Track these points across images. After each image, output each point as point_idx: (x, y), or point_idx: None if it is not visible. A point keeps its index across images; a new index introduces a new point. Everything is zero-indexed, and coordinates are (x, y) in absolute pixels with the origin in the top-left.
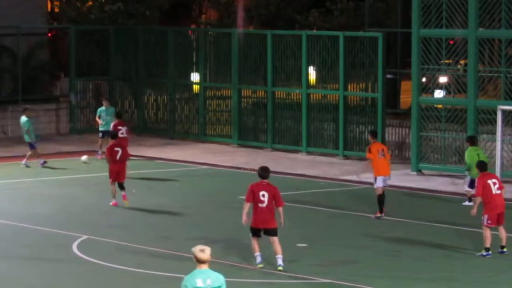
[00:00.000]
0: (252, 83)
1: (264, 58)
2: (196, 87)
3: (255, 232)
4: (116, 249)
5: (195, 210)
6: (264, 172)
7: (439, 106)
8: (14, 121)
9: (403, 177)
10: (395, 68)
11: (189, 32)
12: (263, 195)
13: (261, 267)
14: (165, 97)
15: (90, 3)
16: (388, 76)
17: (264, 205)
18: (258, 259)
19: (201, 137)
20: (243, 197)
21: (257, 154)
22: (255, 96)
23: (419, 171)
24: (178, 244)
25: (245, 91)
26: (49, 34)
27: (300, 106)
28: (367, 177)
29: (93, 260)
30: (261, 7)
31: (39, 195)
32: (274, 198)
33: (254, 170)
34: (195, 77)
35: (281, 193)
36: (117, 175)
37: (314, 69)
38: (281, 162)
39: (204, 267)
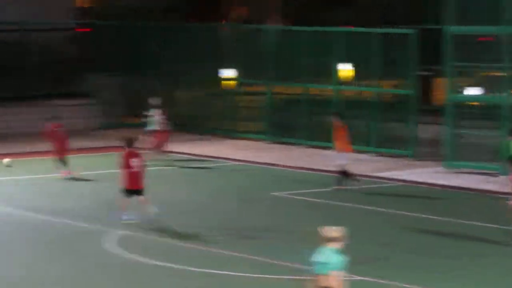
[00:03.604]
0: (285, 79)
1: (297, 55)
2: (228, 83)
3: None
4: (149, 244)
5: (227, 206)
6: None
7: (474, 103)
8: (46, 116)
9: (435, 175)
10: (428, 65)
11: (220, 28)
12: None
13: None
14: (198, 93)
15: None
16: (422, 73)
17: None
18: None
19: (233, 133)
20: (275, 193)
21: (289, 150)
22: (288, 92)
23: (451, 168)
24: (210, 239)
25: (278, 87)
26: (78, 30)
27: (332, 102)
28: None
29: (127, 255)
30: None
31: (69, 189)
32: None
33: (287, 166)
34: (227, 73)
35: (316, 190)
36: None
37: (348, 66)
38: (315, 158)
39: (331, 245)
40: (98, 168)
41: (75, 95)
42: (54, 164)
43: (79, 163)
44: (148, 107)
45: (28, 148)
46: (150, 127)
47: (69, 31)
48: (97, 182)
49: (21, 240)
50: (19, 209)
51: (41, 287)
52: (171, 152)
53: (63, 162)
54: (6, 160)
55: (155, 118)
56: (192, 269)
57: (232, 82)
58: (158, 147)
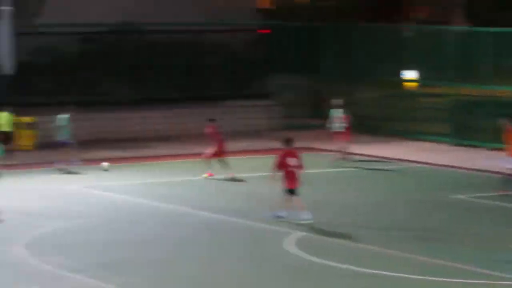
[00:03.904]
0: (468, 80)
1: (482, 56)
2: (409, 85)
3: None
4: (329, 246)
5: (404, 208)
6: None
7: None
8: (228, 116)
9: None
10: None
11: (402, 29)
12: None
13: None
14: (378, 94)
15: (303, 0)
16: None
17: None
18: None
19: (415, 135)
20: (455, 195)
21: (472, 153)
22: (471, 94)
23: None
24: (384, 241)
25: (461, 88)
26: (262, 31)
27: None
28: None
29: (305, 256)
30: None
31: (252, 190)
32: None
33: (468, 169)
34: (408, 74)
35: (497, 193)
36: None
37: None
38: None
39: None
40: None
41: (256, 96)
42: (220, 164)
43: (258, 163)
44: (330, 107)
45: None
46: (333, 128)
47: (250, 32)
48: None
49: (202, 240)
50: (195, 209)
51: (223, 286)
52: (353, 154)
53: (223, 162)
54: (104, 164)
55: (338, 119)
56: (363, 270)
57: (413, 84)
58: (341, 149)
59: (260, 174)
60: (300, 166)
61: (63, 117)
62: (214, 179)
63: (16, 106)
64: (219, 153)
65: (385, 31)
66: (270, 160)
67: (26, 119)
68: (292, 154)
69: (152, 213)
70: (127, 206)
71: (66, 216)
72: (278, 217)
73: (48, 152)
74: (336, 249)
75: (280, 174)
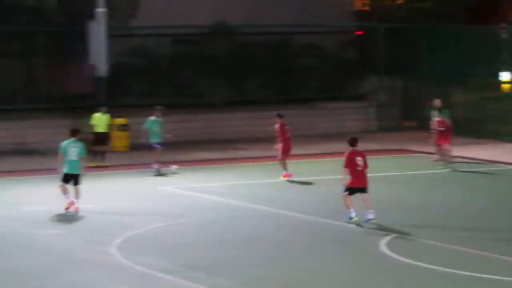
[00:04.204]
0: None
1: None
2: (506, 87)
3: None
4: (423, 247)
5: (504, 212)
6: None
7: None
8: (322, 118)
9: None
10: None
11: (498, 30)
12: None
13: None
14: (473, 96)
15: (400, 1)
16: None
17: None
18: None
19: (511, 137)
20: None
21: None
22: None
23: None
24: (485, 244)
25: None
26: (358, 33)
27: None
28: None
29: (400, 258)
30: None
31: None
32: None
33: None
34: (505, 76)
35: None
36: None
37: None
38: None
39: None
40: (372, 170)
41: (350, 98)
42: (282, 165)
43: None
44: (432, 109)
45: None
46: (433, 129)
47: (345, 34)
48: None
49: (297, 242)
50: (285, 210)
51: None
52: (450, 156)
53: (284, 164)
54: (173, 167)
55: (437, 121)
56: (469, 273)
57: (509, 85)
58: (439, 151)
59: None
60: (366, 165)
61: (152, 119)
62: (293, 180)
63: (109, 107)
64: (283, 152)
65: (482, 32)
66: (380, 162)
67: (120, 120)
68: (359, 154)
69: (244, 214)
70: (218, 207)
71: (158, 217)
72: (350, 218)
73: (141, 153)
74: (429, 251)
75: (348, 173)
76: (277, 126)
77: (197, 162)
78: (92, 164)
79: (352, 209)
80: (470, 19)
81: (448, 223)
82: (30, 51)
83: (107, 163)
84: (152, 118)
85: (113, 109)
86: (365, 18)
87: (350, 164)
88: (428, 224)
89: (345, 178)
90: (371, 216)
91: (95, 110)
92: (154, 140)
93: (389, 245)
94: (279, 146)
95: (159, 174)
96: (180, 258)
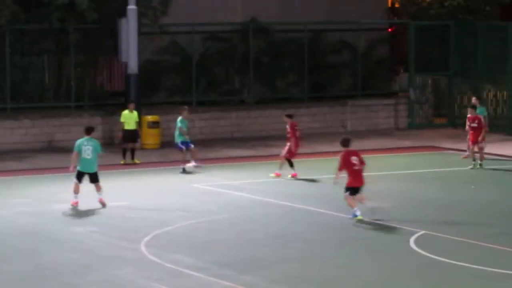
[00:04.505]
0: None
1: None
2: None
3: None
4: (453, 244)
5: None
6: None
7: None
8: (353, 116)
9: None
10: None
11: None
12: None
13: None
14: (505, 93)
15: None
16: None
17: None
18: None
19: None
20: None
21: None
22: None
23: None
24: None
25: None
26: (389, 30)
27: None
28: None
29: (430, 255)
30: None
31: (377, 189)
32: None
33: None
34: None
35: None
36: None
37: None
38: None
39: None
40: (403, 167)
41: (383, 95)
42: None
43: (385, 162)
44: (473, 105)
45: (318, 148)
46: (467, 127)
47: (378, 31)
48: (406, 180)
49: (328, 239)
50: (311, 206)
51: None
52: (483, 153)
53: (291, 163)
54: (190, 165)
55: (470, 118)
56: (499, 270)
57: None
58: (471, 148)
59: (387, 172)
60: (362, 164)
61: (179, 119)
62: (324, 177)
63: (140, 105)
64: (290, 151)
65: None
66: (393, 159)
67: (151, 118)
68: (353, 153)
69: (274, 211)
70: (249, 204)
71: (188, 214)
72: (354, 216)
73: (172, 151)
74: (459, 248)
75: (343, 175)
76: (288, 126)
77: (227, 159)
78: (122, 162)
79: (356, 208)
80: (502, 16)
81: (478, 220)
82: (62, 48)
83: (136, 161)
84: (180, 118)
85: (144, 107)
86: (396, 15)
87: (347, 165)
88: (458, 221)
89: (335, 180)
90: (357, 212)
91: (125, 107)
92: (179, 139)
93: (419, 242)
94: (290, 145)
95: (190, 171)
96: (210, 255)
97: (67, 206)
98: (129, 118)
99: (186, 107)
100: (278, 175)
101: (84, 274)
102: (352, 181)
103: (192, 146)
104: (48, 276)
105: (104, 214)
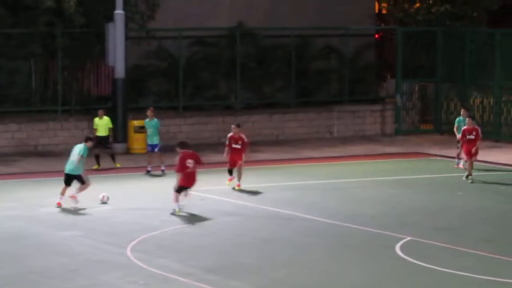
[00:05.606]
0: None
1: None
2: None
3: None
4: (439, 251)
5: None
6: None
7: None
8: (340, 121)
9: None
10: None
11: None
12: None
13: None
14: (491, 99)
15: (418, 4)
16: None
17: None
18: None
19: None
20: None
21: None
22: None
23: None
24: (501, 248)
25: None
26: (376, 36)
27: None
28: None
29: (416, 261)
30: None
31: (364, 195)
32: None
33: None
34: None
35: None
36: None
37: None
38: None
39: None
40: (390, 173)
41: (369, 101)
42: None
43: (372, 168)
44: (462, 113)
45: (304, 154)
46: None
47: (365, 37)
48: (394, 187)
49: (316, 245)
50: (297, 212)
51: None
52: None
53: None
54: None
55: (462, 125)
56: (486, 277)
57: None
58: (470, 155)
59: (373, 178)
60: (195, 167)
61: (149, 122)
62: (312, 183)
63: (127, 109)
64: (232, 160)
65: (503, 35)
66: (379, 165)
67: (138, 122)
68: (190, 156)
69: (261, 217)
70: (237, 209)
71: (175, 219)
72: (179, 206)
73: (159, 154)
74: (446, 255)
75: (180, 175)
76: (241, 135)
77: (214, 165)
78: (95, 167)
79: (178, 203)
80: (489, 23)
81: (465, 227)
82: (49, 52)
83: (117, 165)
84: (146, 119)
85: (131, 111)
86: (383, 21)
87: (182, 167)
88: (445, 228)
89: (178, 179)
90: (177, 208)
91: (112, 112)
92: (152, 142)
93: (405, 248)
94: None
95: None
96: (196, 260)
97: (54, 210)
98: (98, 124)
99: (151, 107)
100: (232, 180)
101: (70, 279)
102: (182, 181)
103: (156, 150)
104: (35, 280)
105: (91, 218)
